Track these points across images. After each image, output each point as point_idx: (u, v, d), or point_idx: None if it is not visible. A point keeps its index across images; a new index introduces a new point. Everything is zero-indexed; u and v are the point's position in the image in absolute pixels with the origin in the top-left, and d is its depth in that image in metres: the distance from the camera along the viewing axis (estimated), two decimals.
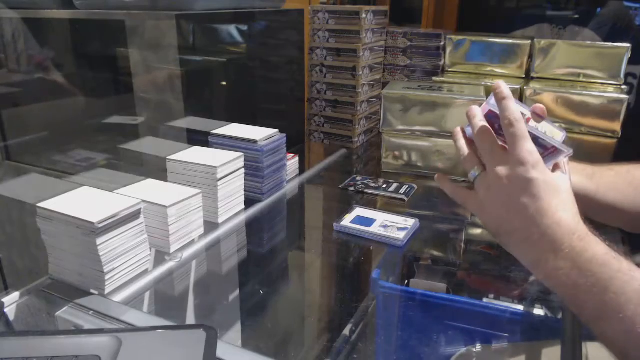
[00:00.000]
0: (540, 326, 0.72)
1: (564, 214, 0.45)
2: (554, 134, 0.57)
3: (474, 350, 0.70)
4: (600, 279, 0.42)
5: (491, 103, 0.57)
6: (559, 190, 0.47)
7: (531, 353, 0.68)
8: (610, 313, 0.42)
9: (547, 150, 0.52)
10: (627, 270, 0.42)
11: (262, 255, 0.90)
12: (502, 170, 0.48)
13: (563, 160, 0.52)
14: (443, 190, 0.56)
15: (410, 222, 0.91)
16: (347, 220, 0.92)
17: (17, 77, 1.30)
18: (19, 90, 1.34)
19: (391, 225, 0.90)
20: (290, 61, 1.41)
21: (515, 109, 0.48)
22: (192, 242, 0.85)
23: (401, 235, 0.87)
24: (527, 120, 0.57)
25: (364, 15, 1.34)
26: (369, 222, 0.91)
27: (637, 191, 0.60)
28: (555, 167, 0.50)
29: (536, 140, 0.51)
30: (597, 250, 0.44)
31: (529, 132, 0.52)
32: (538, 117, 0.53)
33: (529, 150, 0.47)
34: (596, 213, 0.48)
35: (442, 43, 1.48)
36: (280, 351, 0.65)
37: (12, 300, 0.68)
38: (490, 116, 0.58)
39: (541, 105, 0.54)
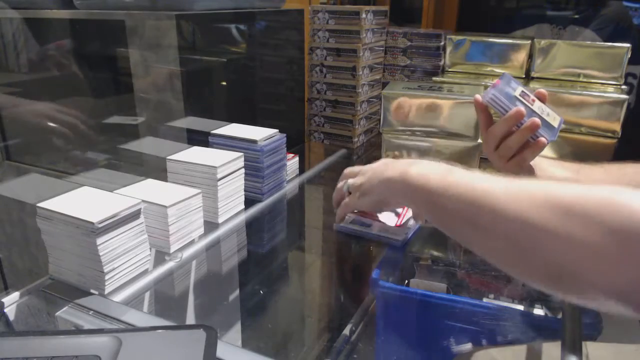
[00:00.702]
0: (540, 326, 0.72)
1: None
2: (553, 116, 0.73)
3: (474, 350, 0.70)
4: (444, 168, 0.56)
5: (492, 92, 0.72)
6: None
7: (531, 353, 0.68)
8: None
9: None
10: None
11: (262, 255, 0.90)
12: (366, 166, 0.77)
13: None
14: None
15: (410, 222, 0.91)
16: (347, 220, 0.92)
17: (17, 77, 1.30)
18: (19, 90, 1.34)
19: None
20: (290, 61, 1.41)
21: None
22: (192, 242, 0.85)
23: (401, 235, 0.87)
24: (532, 102, 0.72)
25: (364, 15, 1.34)
26: (369, 221, 0.91)
27: (628, 185, 0.60)
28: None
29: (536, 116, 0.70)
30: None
31: (533, 111, 0.70)
32: (539, 99, 0.73)
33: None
34: None
35: (442, 43, 1.48)
36: (280, 351, 0.65)
37: (12, 300, 0.68)
38: (492, 102, 0.72)
39: (543, 90, 0.73)
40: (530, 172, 0.68)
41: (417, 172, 0.58)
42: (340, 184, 0.82)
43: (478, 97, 0.74)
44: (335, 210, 0.86)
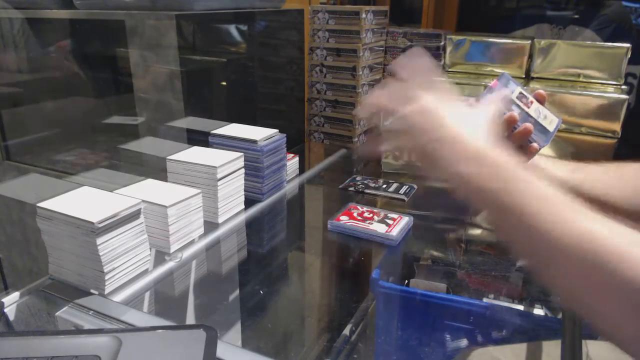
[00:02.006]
0: (540, 326, 0.72)
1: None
2: (550, 119, 0.71)
3: (474, 349, 0.70)
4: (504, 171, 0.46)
5: (487, 96, 0.69)
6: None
7: (531, 353, 0.68)
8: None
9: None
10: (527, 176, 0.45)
11: (262, 255, 0.90)
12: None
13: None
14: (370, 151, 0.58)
15: (405, 220, 0.91)
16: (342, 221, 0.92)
17: (17, 77, 1.31)
18: (19, 90, 1.34)
19: (384, 223, 0.90)
20: (290, 61, 1.41)
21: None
22: (192, 242, 0.85)
23: (394, 233, 0.87)
24: (530, 103, 0.71)
25: (364, 15, 1.34)
26: (361, 228, 0.91)
27: (627, 184, 0.60)
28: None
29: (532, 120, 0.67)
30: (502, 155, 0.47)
31: (529, 115, 0.67)
32: (538, 100, 0.66)
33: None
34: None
35: (442, 43, 1.48)
36: (280, 351, 0.65)
37: (12, 300, 0.68)
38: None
39: (542, 92, 0.65)
40: None
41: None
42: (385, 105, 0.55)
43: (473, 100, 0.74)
44: (359, 111, 0.61)
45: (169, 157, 0.91)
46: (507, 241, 0.45)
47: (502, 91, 0.71)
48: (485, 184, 0.46)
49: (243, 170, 0.95)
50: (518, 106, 0.71)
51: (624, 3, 1.75)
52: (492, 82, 0.72)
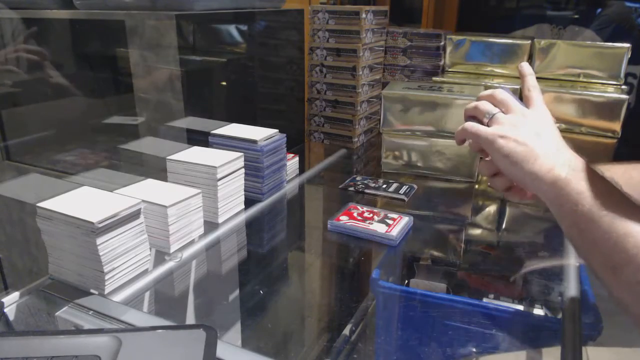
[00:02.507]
0: (540, 326, 0.72)
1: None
2: None
3: (476, 355, 0.70)
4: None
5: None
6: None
7: (532, 358, 0.68)
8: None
9: None
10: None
11: (262, 255, 0.90)
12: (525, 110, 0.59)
13: None
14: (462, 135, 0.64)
15: (404, 220, 0.91)
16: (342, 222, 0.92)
17: (17, 77, 1.30)
18: (19, 90, 1.34)
19: (384, 223, 0.90)
20: (290, 61, 1.41)
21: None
22: (192, 242, 0.85)
23: (394, 233, 0.87)
24: None
25: (364, 15, 1.34)
26: (360, 228, 0.91)
27: None
28: None
29: None
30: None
31: None
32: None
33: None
34: None
35: (442, 43, 1.48)
36: (280, 351, 0.65)
37: (12, 300, 0.68)
38: None
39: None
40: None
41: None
42: (483, 106, 0.62)
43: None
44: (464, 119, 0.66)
45: (169, 157, 0.91)
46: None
47: None
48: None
49: (243, 170, 0.95)
50: None
51: (627, 3, 1.75)
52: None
